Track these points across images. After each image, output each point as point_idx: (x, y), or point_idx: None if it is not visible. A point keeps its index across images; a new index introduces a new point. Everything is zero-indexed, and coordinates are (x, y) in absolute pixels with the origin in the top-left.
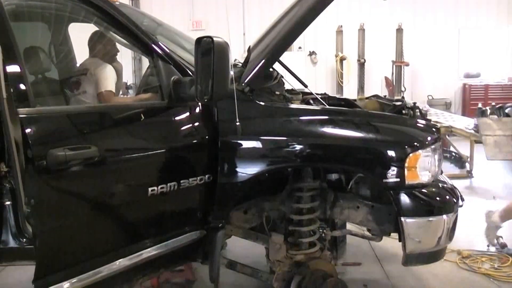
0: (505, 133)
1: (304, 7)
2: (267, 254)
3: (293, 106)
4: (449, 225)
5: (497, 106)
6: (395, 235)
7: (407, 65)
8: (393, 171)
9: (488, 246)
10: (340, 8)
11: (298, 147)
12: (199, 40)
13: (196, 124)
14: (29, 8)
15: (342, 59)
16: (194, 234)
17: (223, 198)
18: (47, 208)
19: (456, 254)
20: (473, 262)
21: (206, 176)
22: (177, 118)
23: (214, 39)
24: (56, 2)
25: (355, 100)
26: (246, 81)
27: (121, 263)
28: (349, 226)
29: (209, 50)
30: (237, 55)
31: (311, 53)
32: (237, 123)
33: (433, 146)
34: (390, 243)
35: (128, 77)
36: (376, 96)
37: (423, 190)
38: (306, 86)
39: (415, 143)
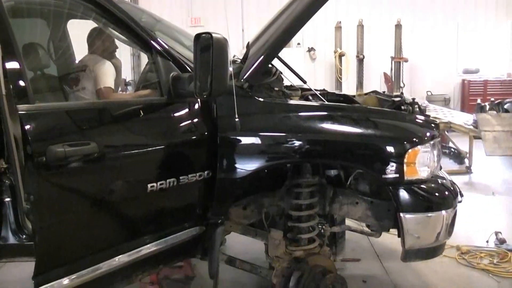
0: (504, 129)
1: (303, 3)
2: (266, 250)
3: (292, 102)
4: (448, 221)
5: (496, 101)
6: (394, 231)
7: (406, 61)
8: (392, 167)
9: (487, 241)
10: (339, 4)
11: (297, 143)
12: (198, 36)
13: (195, 120)
14: (28, 4)
15: (341, 55)
16: (193, 230)
17: (222, 194)
18: (46, 204)
19: (455, 250)
20: (472, 257)
21: (205, 172)
22: (176, 114)
23: (213, 35)
24: None
25: (354, 96)
26: (245, 77)
27: (120, 259)
28: (348, 222)
29: (208, 46)
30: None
31: (310, 49)
32: (236, 119)
33: (432, 142)
34: (389, 239)
35: (127, 74)
36: (375, 92)
37: (422, 186)
38: (305, 82)
39: (414, 139)
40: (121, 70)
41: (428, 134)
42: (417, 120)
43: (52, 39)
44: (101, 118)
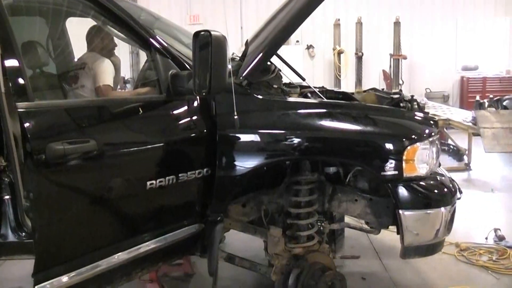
0: (503, 126)
1: (302, 1)
2: (266, 248)
3: (291, 99)
4: (447, 218)
5: (495, 98)
6: (393, 228)
7: (405, 58)
8: (391, 164)
9: (486, 238)
10: (337, 2)
11: (296, 140)
12: (197, 34)
13: (194, 117)
14: (26, 2)
15: (339, 53)
16: (192, 228)
17: (221, 191)
18: (46, 202)
19: (454, 247)
20: (471, 254)
21: (205, 169)
22: (175, 112)
23: (212, 33)
24: None
25: (353, 93)
26: (244, 74)
27: (120, 257)
28: (347, 219)
29: (207, 44)
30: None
31: (309, 47)
32: (235, 117)
33: (431, 139)
34: (388, 236)
35: (126, 72)
36: (374, 89)
37: (421, 183)
38: (304, 79)
39: (413, 136)
40: (120, 68)
41: (427, 131)
42: (416, 117)
43: (51, 37)
44: (100, 116)
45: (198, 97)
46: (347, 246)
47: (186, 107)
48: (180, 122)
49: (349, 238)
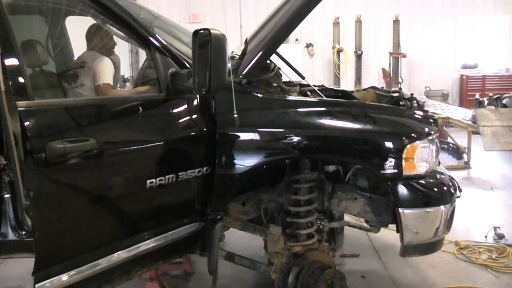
0: (502, 124)
1: None
2: (265, 246)
3: (290, 98)
4: (446, 216)
5: (495, 96)
6: (393, 226)
7: (404, 56)
8: (390, 162)
9: (485, 236)
10: (336, 0)
11: (295, 138)
12: (196, 33)
13: (194, 116)
14: (26, 1)
15: (339, 51)
16: (192, 226)
17: (221, 190)
18: (46, 201)
19: (454, 245)
20: (471, 253)
21: (204, 168)
22: (175, 110)
23: (211, 31)
24: None
25: (352, 91)
26: (243, 73)
27: (119, 255)
28: (347, 217)
29: (207, 42)
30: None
31: (308, 45)
32: (235, 115)
33: (430, 137)
34: (388, 235)
35: (125, 70)
36: (373, 87)
37: (421, 181)
38: (303, 77)
39: (413, 134)
40: (120, 66)
41: (426, 129)
42: (415, 115)
43: (50, 36)
44: (100, 114)
45: (197, 96)
46: (346, 245)
47: (185, 106)
48: (180, 120)
49: (348, 237)
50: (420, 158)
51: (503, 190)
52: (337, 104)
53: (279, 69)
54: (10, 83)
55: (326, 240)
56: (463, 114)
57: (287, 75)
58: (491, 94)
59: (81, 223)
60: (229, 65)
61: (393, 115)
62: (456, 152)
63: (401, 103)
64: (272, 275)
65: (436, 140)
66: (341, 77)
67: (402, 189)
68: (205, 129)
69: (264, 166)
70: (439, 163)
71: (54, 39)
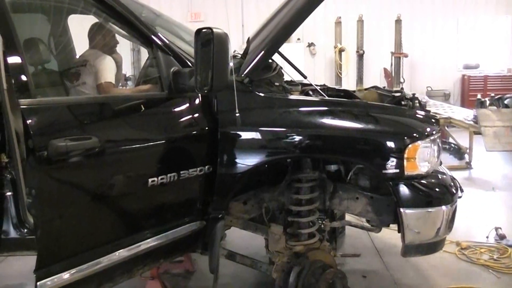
0: (504, 124)
1: None
2: (267, 245)
3: (292, 97)
4: (448, 216)
5: (496, 97)
6: (394, 226)
7: (406, 56)
8: (392, 162)
9: (487, 237)
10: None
11: (297, 138)
12: (198, 31)
13: (196, 115)
14: None
15: (341, 51)
16: (194, 225)
17: (222, 189)
18: (48, 199)
19: (455, 245)
20: (472, 253)
21: (206, 167)
22: (177, 109)
23: (214, 30)
24: None
25: (354, 91)
26: (245, 72)
27: (121, 254)
28: (348, 217)
29: (209, 41)
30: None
31: (310, 44)
32: (237, 114)
33: (432, 137)
34: (389, 234)
35: (127, 69)
36: (375, 87)
37: (422, 181)
38: (305, 77)
39: (414, 134)
40: (122, 65)
41: (428, 129)
42: (417, 115)
43: (52, 34)
44: (102, 113)
45: (199, 95)
46: (348, 244)
47: (187, 105)
48: (182, 119)
49: (350, 236)
50: (422, 158)
51: (505, 190)
52: (339, 104)
53: (281, 68)
54: (13, 81)
55: (328, 240)
56: (465, 114)
57: (289, 74)
58: (492, 94)
59: (83, 221)
60: (231, 64)
61: (395, 115)
62: (458, 152)
63: (403, 103)
64: (273, 274)
65: (438, 140)
66: (343, 77)
67: (404, 189)
68: (207, 128)
69: (266, 165)
70: (441, 163)
71: (56, 37)
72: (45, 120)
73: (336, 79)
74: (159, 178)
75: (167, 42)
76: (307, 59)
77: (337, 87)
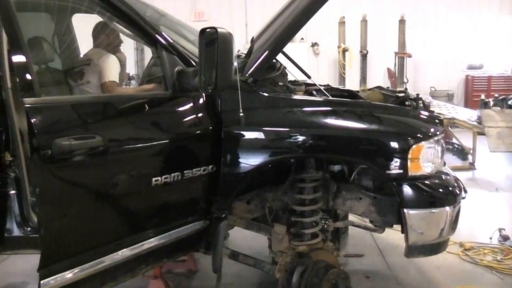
0: (508, 125)
1: None
2: (270, 245)
3: (296, 97)
4: (451, 217)
5: (500, 97)
6: (397, 226)
7: (410, 56)
8: (396, 162)
9: (490, 238)
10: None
11: (301, 138)
12: (203, 31)
13: (200, 114)
14: None
15: (344, 50)
16: (197, 225)
17: (226, 188)
18: (52, 197)
19: (458, 246)
20: (476, 254)
21: (210, 166)
22: (180, 108)
23: (218, 29)
24: None
25: (358, 91)
26: (249, 72)
27: (124, 253)
28: (351, 217)
29: (213, 40)
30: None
31: (314, 44)
32: (241, 114)
33: (436, 138)
34: (393, 235)
35: (131, 68)
36: (379, 87)
37: (426, 182)
38: (309, 77)
39: (418, 135)
40: (126, 64)
41: (432, 129)
42: (421, 115)
43: (57, 33)
44: (106, 112)
45: (203, 94)
46: (351, 245)
47: (191, 104)
48: (186, 119)
49: (353, 237)
50: (426, 158)
51: (508, 191)
52: (342, 104)
53: (285, 68)
54: (18, 80)
55: (331, 240)
56: (469, 115)
57: (293, 74)
58: (496, 95)
59: (86, 220)
60: (235, 63)
61: (398, 115)
62: (461, 153)
63: (406, 103)
64: (276, 274)
65: (442, 141)
66: (346, 77)
67: (407, 190)
68: (210, 128)
69: (269, 165)
70: (444, 163)
71: (60, 36)
72: (49, 119)
73: (340, 79)
74: (163, 177)
75: (171, 41)
76: (311, 59)
77: (340, 87)
